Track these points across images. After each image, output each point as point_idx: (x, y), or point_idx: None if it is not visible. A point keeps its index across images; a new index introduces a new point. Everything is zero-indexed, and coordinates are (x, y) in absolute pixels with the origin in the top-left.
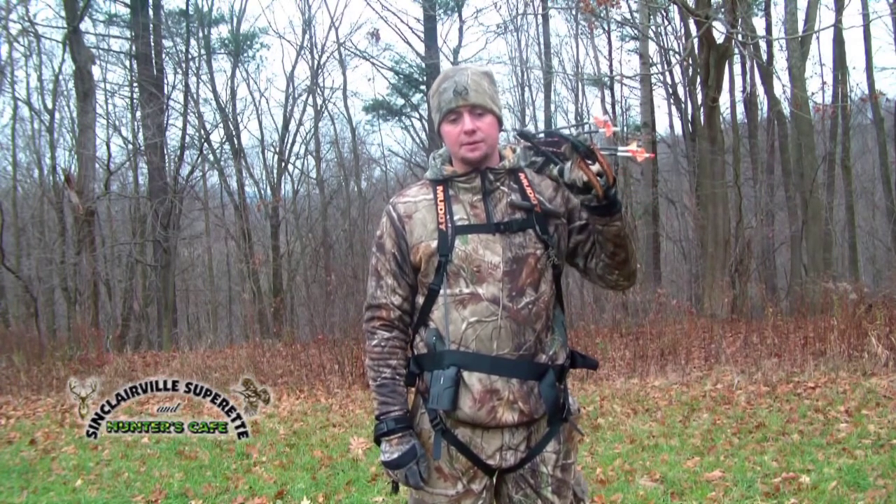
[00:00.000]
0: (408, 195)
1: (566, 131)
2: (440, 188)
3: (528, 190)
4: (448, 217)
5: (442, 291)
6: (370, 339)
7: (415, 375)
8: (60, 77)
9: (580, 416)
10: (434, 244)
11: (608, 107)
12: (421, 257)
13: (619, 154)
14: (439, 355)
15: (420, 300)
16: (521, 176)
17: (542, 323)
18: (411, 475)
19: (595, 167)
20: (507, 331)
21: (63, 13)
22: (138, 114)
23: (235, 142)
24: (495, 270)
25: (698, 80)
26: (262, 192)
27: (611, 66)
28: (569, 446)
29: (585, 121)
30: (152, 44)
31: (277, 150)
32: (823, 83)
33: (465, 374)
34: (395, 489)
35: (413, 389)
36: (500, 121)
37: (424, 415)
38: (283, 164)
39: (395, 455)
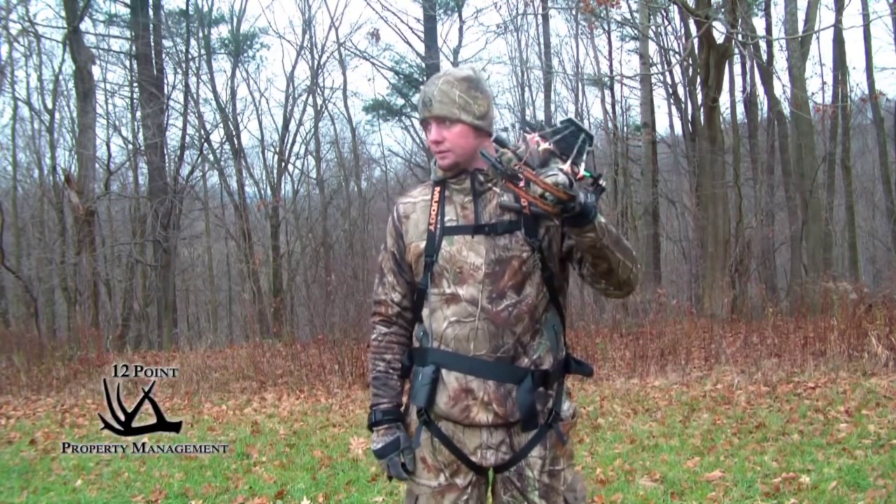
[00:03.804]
0: (410, 195)
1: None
2: (437, 189)
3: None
4: (438, 218)
5: (428, 290)
6: (371, 333)
7: (408, 368)
8: (60, 77)
9: (573, 423)
10: (422, 245)
11: (608, 107)
12: (412, 257)
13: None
14: (424, 352)
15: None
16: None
17: (523, 326)
18: (392, 466)
19: (536, 189)
20: (485, 332)
21: (63, 13)
22: (138, 114)
23: (235, 142)
24: (476, 272)
25: (698, 80)
26: (262, 192)
27: (611, 66)
28: (556, 452)
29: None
30: (152, 44)
31: (277, 150)
32: (823, 83)
33: (444, 371)
34: (390, 478)
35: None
36: (476, 128)
37: (413, 406)
38: (283, 164)
39: (379, 445)
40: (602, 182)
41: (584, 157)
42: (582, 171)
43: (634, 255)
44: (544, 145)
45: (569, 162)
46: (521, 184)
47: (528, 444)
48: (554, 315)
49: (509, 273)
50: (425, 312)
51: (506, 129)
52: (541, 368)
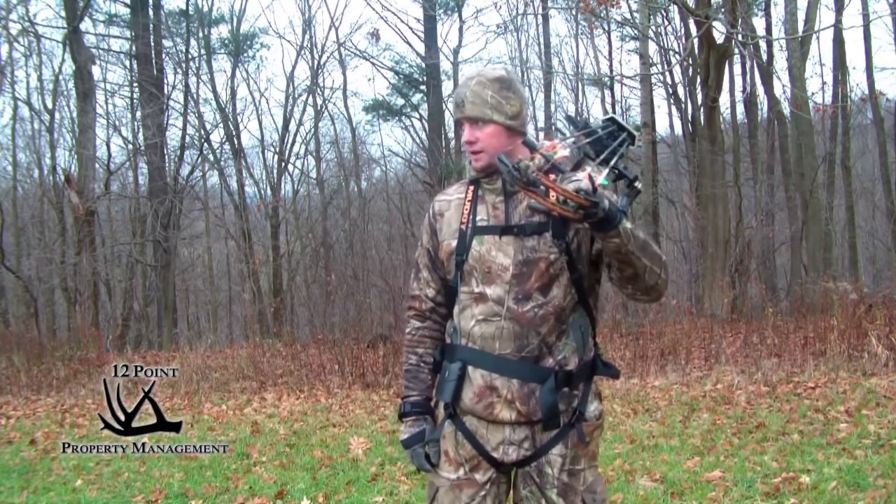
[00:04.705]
0: (447, 193)
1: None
2: (471, 188)
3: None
4: (470, 217)
5: (459, 289)
6: (406, 326)
7: (439, 363)
8: (60, 77)
9: (598, 424)
10: (454, 243)
11: (608, 107)
12: (444, 255)
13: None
14: (453, 348)
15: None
16: (550, 177)
17: (549, 327)
18: (416, 456)
19: (557, 196)
20: (510, 332)
21: (63, 13)
22: (138, 114)
23: (235, 142)
24: (504, 272)
25: (698, 80)
26: (262, 192)
27: (611, 66)
28: (577, 452)
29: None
30: (152, 44)
31: (277, 150)
32: (823, 83)
33: (470, 368)
34: (418, 469)
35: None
36: (509, 128)
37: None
38: (283, 164)
39: (406, 436)
40: (637, 184)
41: (618, 159)
42: (600, 180)
43: (663, 260)
44: (562, 152)
45: (588, 169)
46: (542, 189)
47: (549, 441)
48: (582, 316)
49: (536, 274)
50: (456, 310)
51: (542, 129)
52: (565, 369)
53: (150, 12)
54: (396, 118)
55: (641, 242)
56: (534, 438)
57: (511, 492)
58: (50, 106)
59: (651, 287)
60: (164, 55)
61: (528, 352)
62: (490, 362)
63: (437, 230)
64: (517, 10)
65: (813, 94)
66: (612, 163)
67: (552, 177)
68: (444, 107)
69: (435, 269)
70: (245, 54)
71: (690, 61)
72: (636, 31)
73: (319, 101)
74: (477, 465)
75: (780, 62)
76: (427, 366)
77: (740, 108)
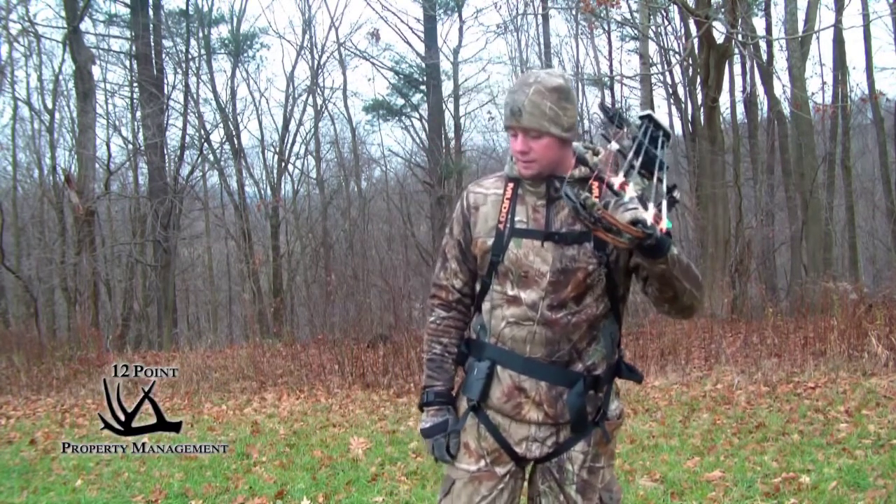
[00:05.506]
0: (483, 185)
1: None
2: (511, 185)
3: None
4: (509, 217)
5: (492, 287)
6: (429, 314)
7: (464, 356)
8: (60, 77)
9: (619, 423)
10: (490, 242)
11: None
12: (478, 252)
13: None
14: (480, 346)
15: (478, 287)
16: (594, 186)
17: (580, 334)
18: (437, 446)
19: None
20: (541, 337)
21: (63, 13)
22: (138, 114)
23: (235, 142)
24: (541, 279)
25: (698, 80)
26: (262, 192)
27: (611, 66)
28: (598, 450)
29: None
30: (152, 44)
31: (277, 150)
32: (823, 83)
33: (499, 368)
34: (436, 459)
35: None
36: (562, 139)
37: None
38: (283, 164)
39: (428, 425)
40: (676, 194)
41: (666, 172)
42: (664, 224)
43: (701, 281)
44: (631, 192)
45: (651, 208)
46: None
47: (572, 438)
48: (612, 322)
49: (573, 284)
50: (485, 307)
51: (586, 132)
52: (593, 373)
53: (150, 12)
54: (396, 118)
55: (685, 266)
56: (557, 436)
57: (526, 485)
58: (50, 106)
59: (687, 307)
60: (164, 55)
61: (559, 357)
62: (519, 364)
63: (470, 223)
64: (517, 10)
65: (813, 94)
66: (666, 182)
67: (597, 187)
68: (444, 107)
69: (465, 262)
70: (245, 54)
71: (690, 61)
72: (636, 31)
73: (319, 101)
74: (498, 458)
75: (780, 62)
76: (451, 356)
77: (740, 108)
